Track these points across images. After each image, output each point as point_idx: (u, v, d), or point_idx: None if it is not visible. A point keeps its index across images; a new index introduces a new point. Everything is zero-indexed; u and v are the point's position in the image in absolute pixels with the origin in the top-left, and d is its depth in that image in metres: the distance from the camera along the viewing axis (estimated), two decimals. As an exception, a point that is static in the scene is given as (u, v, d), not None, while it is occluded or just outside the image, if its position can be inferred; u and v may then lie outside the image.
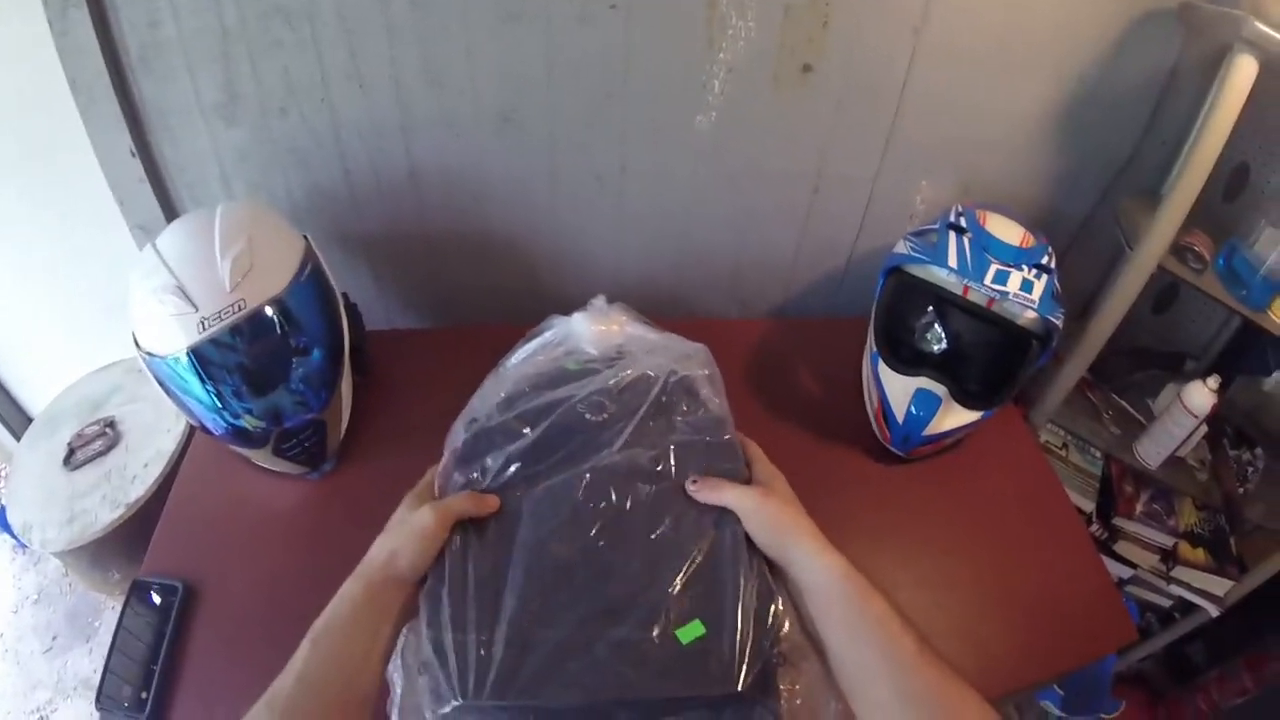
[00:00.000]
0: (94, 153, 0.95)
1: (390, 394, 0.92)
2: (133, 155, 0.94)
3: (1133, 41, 0.95)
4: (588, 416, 0.56)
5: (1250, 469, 1.18)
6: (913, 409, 0.78)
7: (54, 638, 1.41)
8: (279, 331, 0.75)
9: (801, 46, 0.90)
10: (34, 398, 1.49)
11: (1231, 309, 0.99)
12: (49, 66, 0.89)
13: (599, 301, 0.66)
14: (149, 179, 0.95)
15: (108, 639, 0.70)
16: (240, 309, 0.71)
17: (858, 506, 0.80)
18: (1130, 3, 0.93)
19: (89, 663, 1.37)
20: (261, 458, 0.80)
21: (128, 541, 1.12)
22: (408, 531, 0.49)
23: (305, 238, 0.83)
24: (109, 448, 1.17)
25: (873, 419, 0.85)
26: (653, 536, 0.50)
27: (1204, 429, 1.11)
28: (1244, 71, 0.84)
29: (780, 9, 0.87)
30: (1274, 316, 0.96)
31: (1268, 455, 1.18)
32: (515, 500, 0.52)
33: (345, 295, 0.87)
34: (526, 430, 0.55)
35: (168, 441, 1.16)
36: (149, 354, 0.74)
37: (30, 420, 1.49)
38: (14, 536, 1.47)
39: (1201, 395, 1.05)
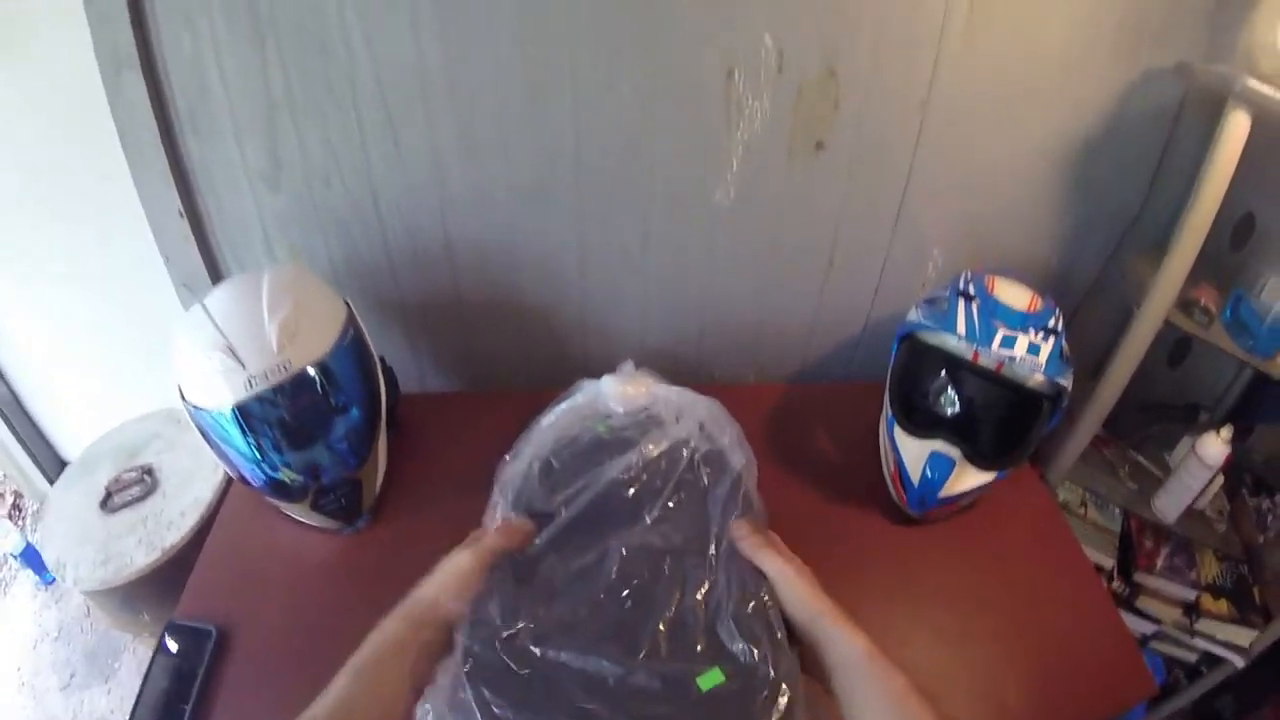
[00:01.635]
0: (142, 210, 1.01)
1: (423, 455, 0.95)
2: (180, 215, 0.99)
3: (1134, 100, 0.98)
4: (623, 492, 0.59)
5: (1270, 516, 1.17)
6: (928, 471, 0.79)
7: (71, 675, 1.42)
8: (320, 392, 0.79)
9: (814, 125, 0.95)
10: (66, 441, 1.54)
11: (1241, 360, 1.00)
12: (102, 124, 0.95)
13: (627, 366, 0.70)
14: (194, 238, 1.00)
15: (126, 679, 0.72)
16: (286, 369, 0.75)
17: (876, 568, 0.81)
18: (1129, 62, 0.97)
19: (106, 702, 1.38)
20: (299, 511, 0.83)
21: (161, 585, 1.14)
22: (448, 571, 0.54)
23: (347, 303, 0.88)
24: (146, 494, 1.20)
25: (889, 482, 0.87)
26: (680, 596, 0.53)
27: (1220, 480, 1.12)
28: (1238, 127, 0.86)
29: (794, 90, 0.92)
30: (1283, 364, 0.98)
31: (1290, 504, 1.17)
32: (550, 569, 0.55)
33: (382, 358, 0.90)
34: (563, 509, 0.59)
35: (205, 491, 1.20)
36: (195, 407, 0.78)
37: (62, 463, 1.54)
38: (38, 572, 1.51)
39: (1215, 447, 1.06)
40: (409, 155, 0.95)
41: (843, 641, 0.50)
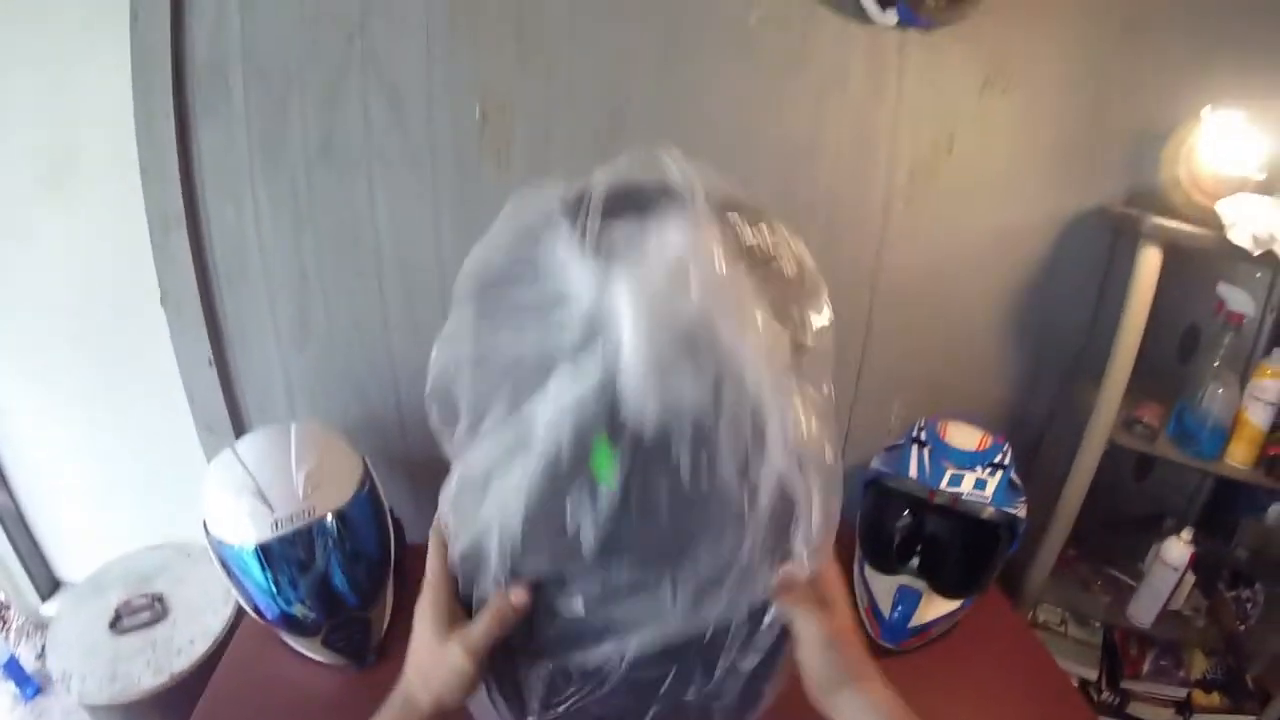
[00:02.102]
0: (170, 354, 1.10)
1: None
2: (210, 364, 1.09)
3: (1067, 247, 1.12)
4: None
5: (1250, 604, 1.21)
6: (897, 604, 0.86)
7: (45, 793, 1.38)
8: (338, 537, 0.86)
9: None
10: (63, 561, 1.55)
11: (1191, 466, 1.08)
12: (142, 272, 1.05)
13: None
14: (221, 386, 1.10)
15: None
16: (310, 515, 0.83)
17: None
18: (1058, 210, 1.11)
19: (81, 824, 1.33)
20: (309, 647, 0.87)
21: (166, 708, 1.15)
22: (446, 676, 0.49)
23: (364, 459, 0.96)
24: (156, 619, 1.23)
25: (864, 617, 0.92)
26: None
27: (1191, 579, 1.17)
28: (1149, 261, 0.98)
29: None
30: (1230, 462, 1.05)
31: (1267, 589, 1.22)
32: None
33: (391, 510, 0.97)
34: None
35: (215, 623, 1.22)
36: (220, 541, 0.84)
37: (56, 582, 1.55)
38: (20, 685, 1.49)
39: (1178, 549, 1.12)
40: (424, 330, 1.08)
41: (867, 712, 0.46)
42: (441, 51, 0.97)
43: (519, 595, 0.47)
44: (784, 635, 0.49)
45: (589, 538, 0.42)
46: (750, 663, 0.49)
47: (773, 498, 0.43)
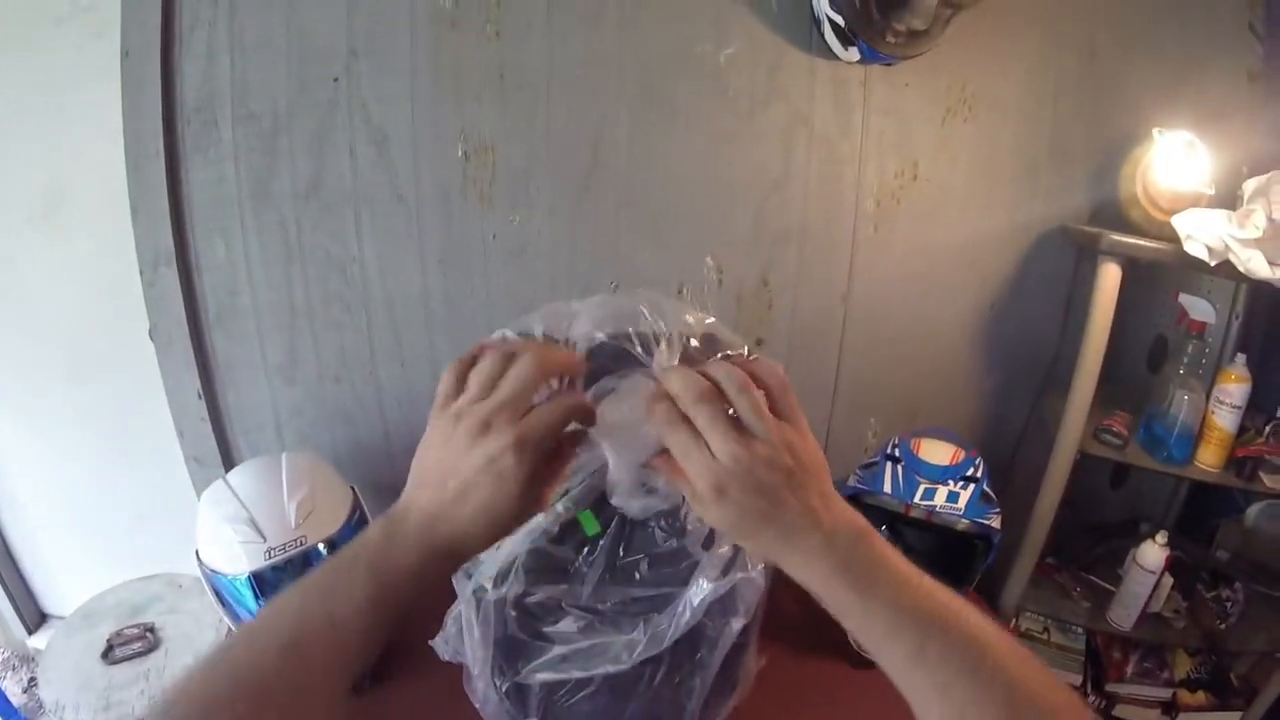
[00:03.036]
0: (164, 390, 1.11)
1: (414, 626, 1.00)
2: (199, 396, 1.10)
3: (1034, 261, 1.16)
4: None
5: (1230, 604, 1.23)
6: None
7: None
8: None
9: (754, 325, 1.13)
10: (49, 594, 1.55)
11: (1161, 471, 1.11)
12: (132, 306, 1.06)
13: None
14: (210, 419, 1.11)
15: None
16: (302, 544, 0.84)
17: (844, 710, 0.85)
18: (1024, 230, 1.15)
19: None
20: (304, 674, 0.89)
21: (160, 739, 1.15)
22: (480, 468, 0.36)
23: (353, 488, 0.97)
24: (149, 649, 1.23)
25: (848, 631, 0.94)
26: None
27: (1169, 581, 1.20)
28: (1108, 277, 1.02)
29: (734, 300, 1.11)
30: (1200, 465, 1.08)
31: (1248, 587, 1.24)
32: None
33: None
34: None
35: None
36: (212, 570, 0.86)
37: (42, 614, 1.55)
38: (4, 717, 1.47)
39: (1153, 552, 1.14)
40: (411, 362, 1.11)
41: (804, 578, 0.39)
42: (425, 93, 1.01)
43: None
44: (748, 633, 0.64)
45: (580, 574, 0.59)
46: (718, 658, 0.60)
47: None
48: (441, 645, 0.69)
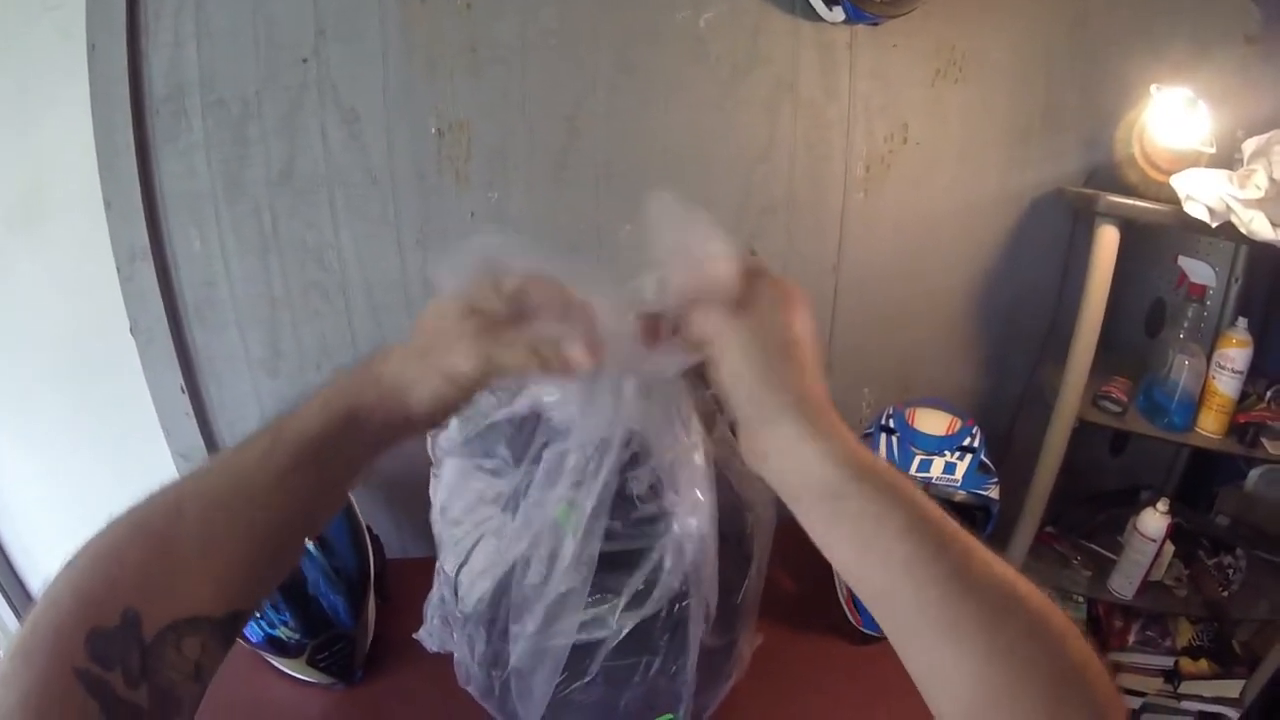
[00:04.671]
0: (146, 385, 1.10)
1: (405, 616, 0.99)
2: (182, 392, 1.09)
3: (1030, 226, 1.13)
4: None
5: (1231, 571, 1.22)
6: None
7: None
8: (317, 556, 0.86)
9: None
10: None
11: (1161, 439, 1.09)
12: (112, 302, 1.05)
13: None
14: (194, 414, 1.10)
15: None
16: (287, 538, 0.83)
17: (843, 686, 0.85)
18: (1018, 193, 1.13)
19: None
20: (295, 668, 0.87)
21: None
22: (431, 368, 0.38)
23: None
24: (144, 650, 1.23)
25: (845, 606, 0.93)
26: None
27: (1170, 549, 1.19)
28: (1105, 239, 1.00)
29: (743, 248, 1.07)
30: (1202, 431, 1.07)
31: (1250, 554, 1.23)
32: None
33: (369, 527, 0.98)
34: None
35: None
36: (203, 567, 0.85)
37: (37, 617, 1.55)
38: None
39: (1154, 520, 1.13)
40: None
41: (795, 460, 0.35)
42: (396, 71, 0.98)
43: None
44: (739, 614, 0.64)
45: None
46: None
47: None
48: (426, 637, 0.67)
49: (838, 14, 0.97)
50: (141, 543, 0.36)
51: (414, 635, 0.68)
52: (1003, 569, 0.33)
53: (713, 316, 0.37)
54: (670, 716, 0.56)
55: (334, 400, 0.39)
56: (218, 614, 0.36)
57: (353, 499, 0.95)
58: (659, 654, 0.61)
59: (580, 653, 0.60)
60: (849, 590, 0.91)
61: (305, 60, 0.97)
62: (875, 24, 0.99)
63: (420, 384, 0.39)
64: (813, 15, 0.98)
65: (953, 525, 0.33)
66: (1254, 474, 1.29)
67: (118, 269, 1.04)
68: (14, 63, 1.04)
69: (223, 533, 0.36)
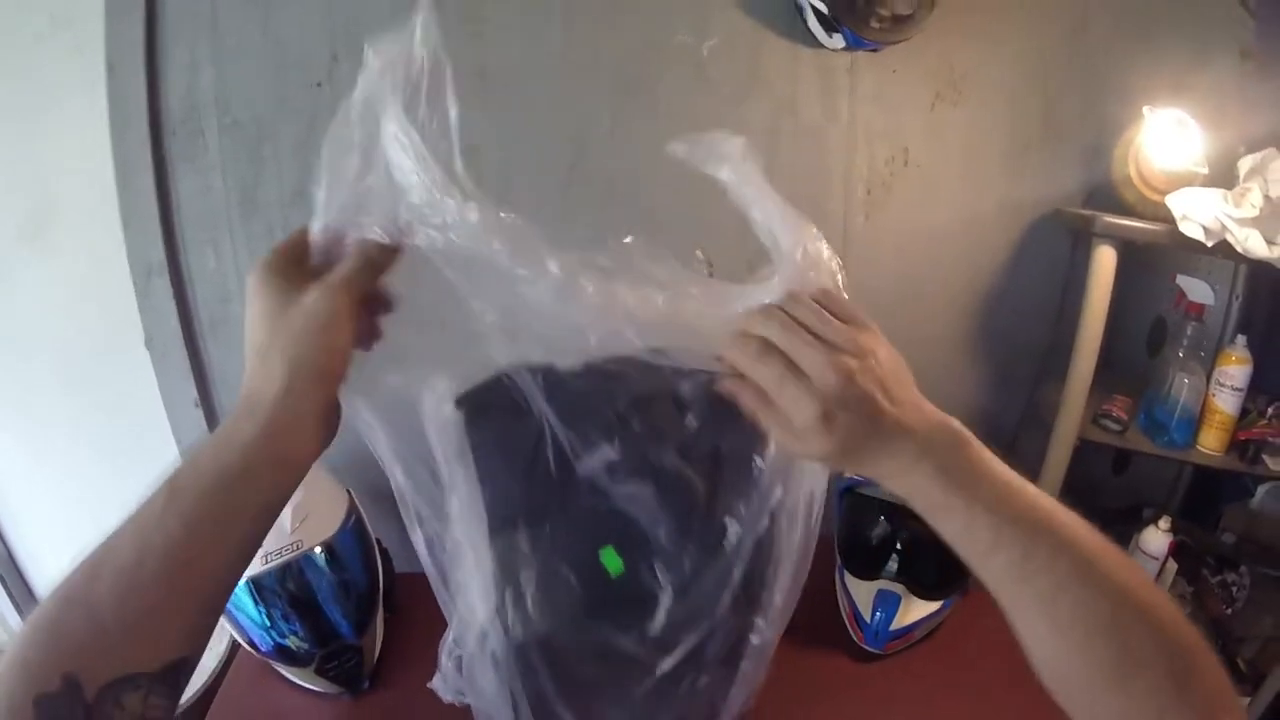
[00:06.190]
0: (160, 398, 1.12)
1: (414, 625, 0.99)
2: (195, 406, 1.11)
3: (1029, 246, 1.15)
4: None
5: (1235, 588, 1.22)
6: (877, 609, 0.88)
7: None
8: (328, 569, 0.88)
9: None
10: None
11: (1162, 456, 1.10)
12: (126, 315, 1.08)
13: None
14: (208, 426, 1.11)
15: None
16: (298, 548, 0.85)
17: (849, 704, 0.86)
18: (1017, 215, 1.14)
19: None
20: (303, 677, 0.89)
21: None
22: (302, 326, 0.39)
23: (348, 491, 0.97)
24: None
25: (847, 624, 0.94)
26: None
27: (1173, 566, 1.19)
28: (1105, 260, 1.01)
29: (745, 265, 1.09)
30: (1203, 449, 1.08)
31: (1254, 570, 1.23)
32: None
33: (379, 540, 0.99)
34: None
35: (209, 657, 1.23)
36: (211, 578, 0.86)
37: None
38: None
39: (1156, 538, 1.14)
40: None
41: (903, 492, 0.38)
42: (407, 94, 1.00)
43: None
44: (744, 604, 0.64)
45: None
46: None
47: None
48: (441, 685, 0.65)
49: (837, 41, 0.99)
50: (70, 611, 0.37)
51: (429, 685, 0.67)
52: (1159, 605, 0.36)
53: (798, 450, 0.39)
54: None
55: (224, 447, 0.41)
56: (152, 668, 0.37)
57: (363, 513, 0.97)
58: (704, 672, 0.61)
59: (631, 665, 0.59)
60: (851, 608, 0.92)
61: (319, 84, 1.00)
62: (875, 50, 1.02)
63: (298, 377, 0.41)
64: (813, 42, 1.01)
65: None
66: (1261, 490, 1.29)
67: (134, 284, 1.07)
68: (25, 77, 1.06)
69: (137, 594, 0.37)
